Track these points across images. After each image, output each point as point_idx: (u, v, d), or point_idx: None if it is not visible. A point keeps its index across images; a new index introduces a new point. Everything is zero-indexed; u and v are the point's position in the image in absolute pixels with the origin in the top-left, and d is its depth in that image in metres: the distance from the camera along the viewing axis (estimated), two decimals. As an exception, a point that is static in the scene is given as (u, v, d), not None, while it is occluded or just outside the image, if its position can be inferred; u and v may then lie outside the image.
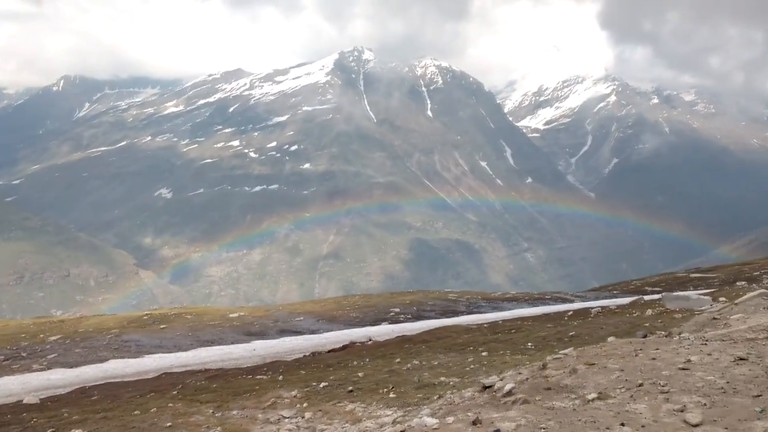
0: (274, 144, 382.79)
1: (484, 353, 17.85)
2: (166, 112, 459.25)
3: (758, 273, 48.16)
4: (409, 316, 36.43)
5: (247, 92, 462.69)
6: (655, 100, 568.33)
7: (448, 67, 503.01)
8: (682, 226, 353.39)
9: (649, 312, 23.54)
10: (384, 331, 31.04)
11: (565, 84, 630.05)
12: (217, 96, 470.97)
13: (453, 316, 36.17)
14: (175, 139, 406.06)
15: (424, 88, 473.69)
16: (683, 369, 7.78)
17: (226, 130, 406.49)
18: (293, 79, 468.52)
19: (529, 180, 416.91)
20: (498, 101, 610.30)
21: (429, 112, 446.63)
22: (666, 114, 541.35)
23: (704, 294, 30.15)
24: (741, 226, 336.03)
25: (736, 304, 14.57)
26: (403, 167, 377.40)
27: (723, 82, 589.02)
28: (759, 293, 14.86)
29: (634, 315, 23.50)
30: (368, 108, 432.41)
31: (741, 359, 8.10)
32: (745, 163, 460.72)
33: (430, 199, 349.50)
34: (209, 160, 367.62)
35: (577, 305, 37.66)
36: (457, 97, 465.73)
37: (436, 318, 35.78)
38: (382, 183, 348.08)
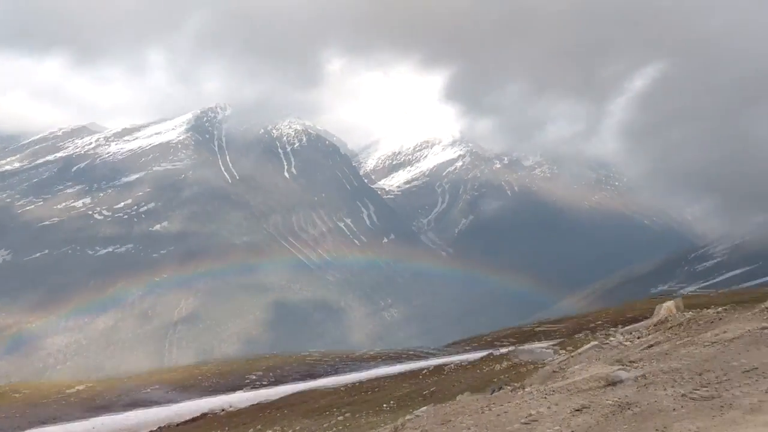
0: (124, 204, 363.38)
1: (344, 415, 17.59)
2: (2, 170, 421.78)
3: (597, 323, 52.04)
4: (269, 381, 35.24)
5: (95, 150, 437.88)
6: (501, 164, 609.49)
7: (308, 128, 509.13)
8: (530, 281, 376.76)
9: (500, 366, 24.52)
10: (242, 398, 29.74)
11: (419, 147, 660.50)
12: (62, 153, 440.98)
13: (315, 379, 35.46)
14: (10, 200, 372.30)
15: (283, 149, 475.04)
16: (528, 423, 8.10)
17: (72, 189, 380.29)
18: (147, 137, 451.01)
19: (390, 238, 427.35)
20: (358, 162, 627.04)
21: (290, 171, 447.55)
22: (514, 175, 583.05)
23: (550, 346, 32.02)
24: (581, 279, 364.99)
25: (576, 355, 15.45)
26: (263, 227, 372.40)
27: (558, 149, 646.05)
28: (594, 345, 15.98)
29: (487, 369, 24.36)
30: (225, 167, 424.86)
31: (581, 408, 8.56)
32: (578, 223, 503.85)
33: (290, 260, 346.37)
34: (52, 221, 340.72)
35: (435, 361, 38.46)
36: (317, 158, 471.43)
37: (297, 381, 34.90)
38: (241, 244, 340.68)
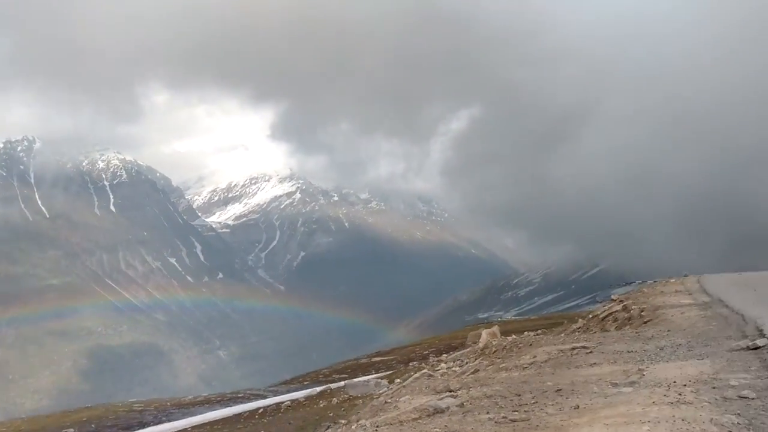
0: None
1: (168, 469, 16.56)
2: None
3: (427, 352, 54.09)
4: (85, 437, 32.22)
5: None
6: (331, 200, 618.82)
7: (129, 163, 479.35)
8: (364, 313, 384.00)
9: (334, 400, 24.53)
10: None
11: (252, 181, 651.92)
12: None
13: (139, 429, 33.08)
14: None
15: (100, 184, 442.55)
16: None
17: None
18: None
19: (220, 276, 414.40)
20: (188, 196, 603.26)
21: (109, 208, 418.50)
22: (345, 210, 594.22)
23: (383, 377, 32.67)
24: (411, 309, 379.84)
25: (404, 386, 15.90)
26: (82, 267, 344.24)
27: (385, 186, 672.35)
28: (422, 374, 16.56)
29: (321, 405, 24.26)
30: (35, 204, 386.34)
31: (408, 440, 8.81)
32: (406, 256, 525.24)
33: (113, 301, 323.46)
34: None
35: (270, 401, 37.54)
36: (142, 192, 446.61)
37: (117, 435, 32.30)
38: (57, 285, 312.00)
